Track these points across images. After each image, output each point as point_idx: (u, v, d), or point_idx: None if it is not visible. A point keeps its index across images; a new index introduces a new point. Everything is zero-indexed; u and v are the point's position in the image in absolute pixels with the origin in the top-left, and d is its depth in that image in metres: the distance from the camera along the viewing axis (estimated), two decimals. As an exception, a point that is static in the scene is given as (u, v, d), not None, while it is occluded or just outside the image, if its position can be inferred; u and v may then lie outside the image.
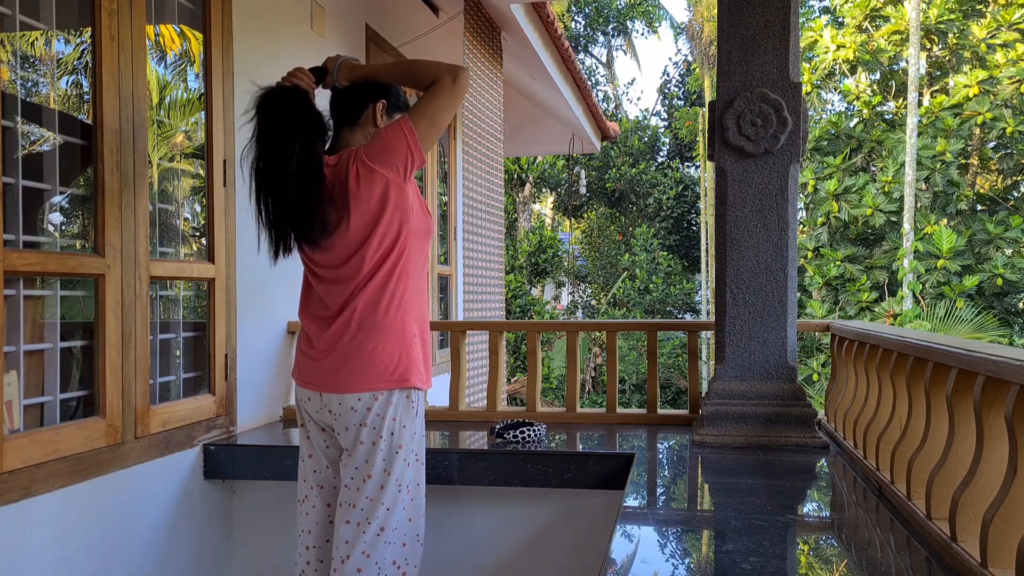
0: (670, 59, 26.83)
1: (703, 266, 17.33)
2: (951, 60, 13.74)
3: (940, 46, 13.66)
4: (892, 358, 2.25)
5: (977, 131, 12.68)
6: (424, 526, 2.14)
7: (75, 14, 2.52)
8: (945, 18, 12.84)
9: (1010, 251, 11.90)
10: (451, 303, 6.09)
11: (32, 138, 2.42)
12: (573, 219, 20.84)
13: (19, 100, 2.31)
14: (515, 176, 18.28)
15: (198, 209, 3.18)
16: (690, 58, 22.40)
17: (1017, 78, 11.76)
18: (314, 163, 1.97)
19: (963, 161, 13.16)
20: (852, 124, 13.47)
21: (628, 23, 22.44)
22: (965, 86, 12.18)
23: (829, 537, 1.99)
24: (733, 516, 2.08)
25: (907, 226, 11.44)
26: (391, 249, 2.01)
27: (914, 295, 11.19)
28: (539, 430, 3.03)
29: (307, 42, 3.78)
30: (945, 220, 12.47)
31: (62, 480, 2.29)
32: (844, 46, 13.70)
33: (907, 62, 12.52)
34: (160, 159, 2.92)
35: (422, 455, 2.11)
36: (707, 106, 5.94)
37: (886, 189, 12.24)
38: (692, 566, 1.82)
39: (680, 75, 23.11)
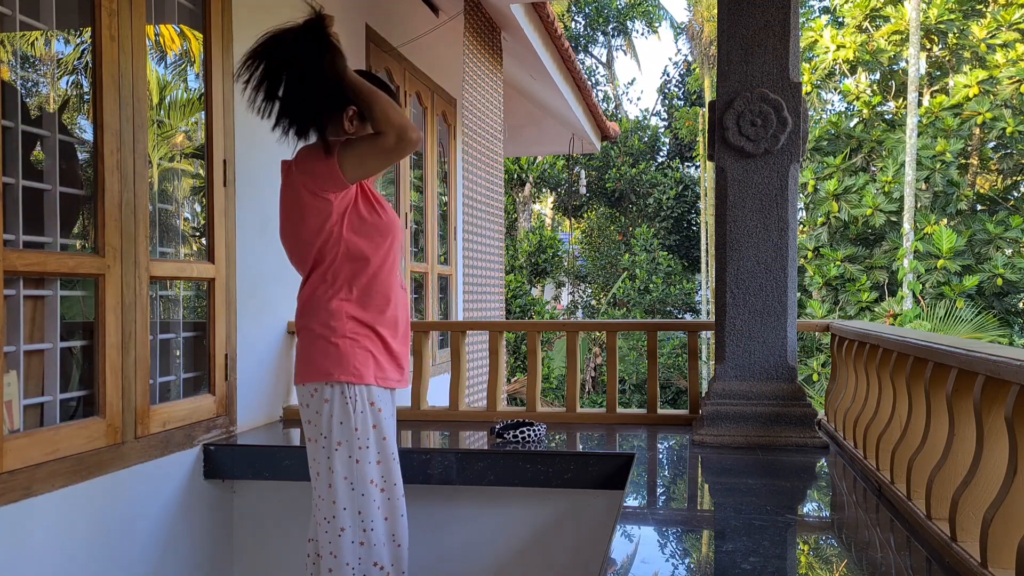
0: (670, 59, 26.84)
1: (703, 266, 17.33)
2: (951, 60, 13.75)
3: (940, 46, 13.67)
4: (892, 358, 2.25)
5: (977, 131, 12.68)
6: (405, 528, 2.11)
7: (75, 14, 2.52)
8: (945, 18, 12.85)
9: (1010, 251, 11.90)
10: (451, 303, 6.09)
11: (32, 138, 2.42)
12: (573, 219, 20.84)
13: (19, 100, 2.31)
14: (515, 176, 18.28)
15: (198, 209, 3.18)
16: (690, 58, 22.39)
17: (1017, 78, 11.76)
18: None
19: (963, 161, 13.16)
20: (852, 124, 13.47)
21: (628, 23, 22.44)
22: (965, 86, 12.18)
23: (829, 537, 1.99)
24: (733, 516, 2.08)
25: (907, 226, 11.44)
26: (324, 245, 2.05)
27: (914, 295, 11.19)
28: (539, 430, 3.03)
29: (307, 42, 3.77)
30: (945, 220, 12.48)
31: (62, 480, 2.29)
32: (844, 46, 13.70)
33: (907, 62, 12.52)
34: (160, 159, 2.92)
35: (383, 453, 2.06)
36: (707, 106, 5.94)
37: (886, 189, 12.24)
38: (692, 566, 1.82)
39: (680, 75, 23.11)
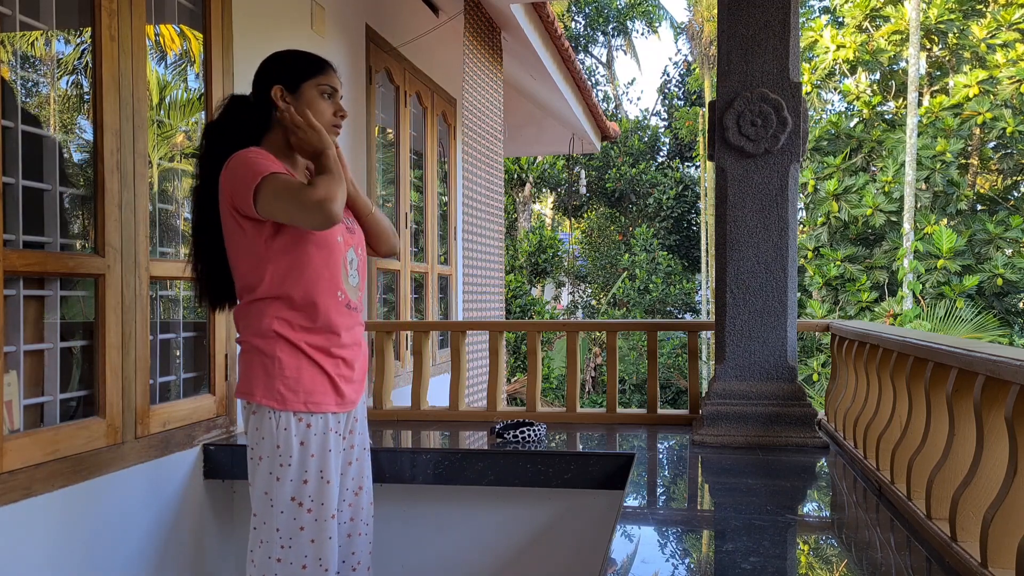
0: (670, 59, 26.83)
1: (703, 266, 17.33)
2: (951, 60, 13.75)
3: (940, 46, 13.67)
4: (892, 358, 2.25)
5: (977, 131, 12.68)
6: (334, 552, 1.98)
7: (75, 14, 2.52)
8: (945, 18, 12.85)
9: (1010, 251, 11.90)
10: (451, 303, 6.09)
11: (32, 138, 2.42)
12: (573, 219, 20.84)
13: (19, 100, 2.31)
14: (515, 176, 18.28)
15: (198, 209, 3.17)
16: (690, 58, 22.38)
17: (1017, 78, 11.76)
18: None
19: (963, 161, 13.16)
20: (852, 124, 13.47)
21: (628, 23, 22.43)
22: (965, 86, 12.18)
23: (829, 537, 1.99)
24: (733, 516, 2.08)
25: (907, 226, 11.44)
26: (255, 263, 1.95)
27: (914, 295, 11.18)
28: (539, 430, 3.03)
29: (307, 42, 3.78)
30: (945, 220, 12.48)
31: (62, 480, 2.29)
32: (844, 46, 13.70)
33: (907, 62, 12.52)
34: (160, 159, 2.92)
35: (311, 472, 1.94)
36: (707, 106, 5.93)
37: (886, 189, 12.24)
38: (692, 566, 1.82)
39: (680, 75, 23.10)
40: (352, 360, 2.06)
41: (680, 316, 17.11)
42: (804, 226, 13.62)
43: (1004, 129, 12.02)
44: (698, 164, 19.72)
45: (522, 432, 2.99)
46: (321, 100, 2.03)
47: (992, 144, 13.36)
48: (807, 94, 14.30)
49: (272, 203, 1.85)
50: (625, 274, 16.67)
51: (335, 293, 1.99)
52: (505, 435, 3.00)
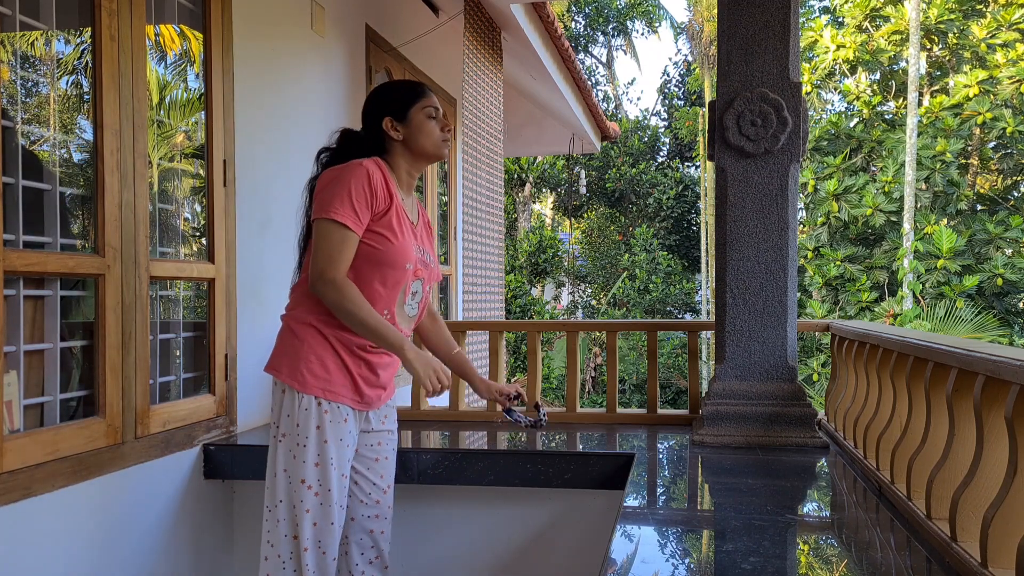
0: (670, 59, 26.85)
1: (703, 266, 17.34)
2: (951, 60, 13.75)
3: (940, 46, 13.67)
4: (892, 358, 2.25)
5: (977, 131, 12.69)
6: (335, 540, 2.03)
7: (75, 14, 2.52)
8: (945, 18, 12.85)
9: (1010, 251, 11.91)
10: (451, 303, 6.09)
11: (32, 138, 2.42)
12: (573, 219, 20.84)
13: (19, 100, 2.31)
14: (515, 176, 18.28)
15: (198, 209, 3.18)
16: (690, 58, 22.39)
17: (1017, 78, 11.77)
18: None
19: (963, 161, 13.17)
20: (852, 124, 13.47)
21: (628, 23, 22.43)
22: (965, 86, 12.19)
23: (829, 537, 1.99)
24: (733, 516, 2.08)
25: (907, 226, 11.45)
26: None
27: (914, 295, 11.19)
28: (542, 412, 3.01)
29: (307, 42, 3.78)
30: (945, 220, 12.48)
31: (62, 480, 2.29)
32: (844, 46, 13.71)
33: (907, 62, 12.53)
34: (160, 159, 2.92)
35: (323, 456, 2.00)
36: (707, 106, 5.93)
37: (886, 189, 12.24)
38: (692, 566, 1.82)
39: (680, 75, 23.11)
40: (377, 366, 2.11)
41: (680, 316, 17.11)
42: (804, 226, 13.62)
43: (1004, 129, 12.02)
44: (698, 164, 19.73)
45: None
46: (429, 121, 2.13)
47: (992, 144, 13.36)
48: (807, 94, 14.31)
49: (315, 240, 1.98)
50: (625, 274, 16.67)
51: (382, 310, 2.06)
52: (511, 413, 2.97)
